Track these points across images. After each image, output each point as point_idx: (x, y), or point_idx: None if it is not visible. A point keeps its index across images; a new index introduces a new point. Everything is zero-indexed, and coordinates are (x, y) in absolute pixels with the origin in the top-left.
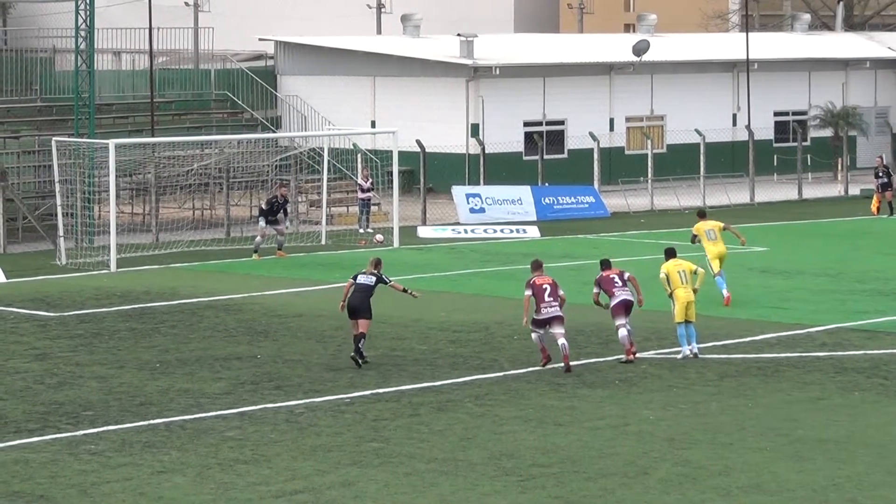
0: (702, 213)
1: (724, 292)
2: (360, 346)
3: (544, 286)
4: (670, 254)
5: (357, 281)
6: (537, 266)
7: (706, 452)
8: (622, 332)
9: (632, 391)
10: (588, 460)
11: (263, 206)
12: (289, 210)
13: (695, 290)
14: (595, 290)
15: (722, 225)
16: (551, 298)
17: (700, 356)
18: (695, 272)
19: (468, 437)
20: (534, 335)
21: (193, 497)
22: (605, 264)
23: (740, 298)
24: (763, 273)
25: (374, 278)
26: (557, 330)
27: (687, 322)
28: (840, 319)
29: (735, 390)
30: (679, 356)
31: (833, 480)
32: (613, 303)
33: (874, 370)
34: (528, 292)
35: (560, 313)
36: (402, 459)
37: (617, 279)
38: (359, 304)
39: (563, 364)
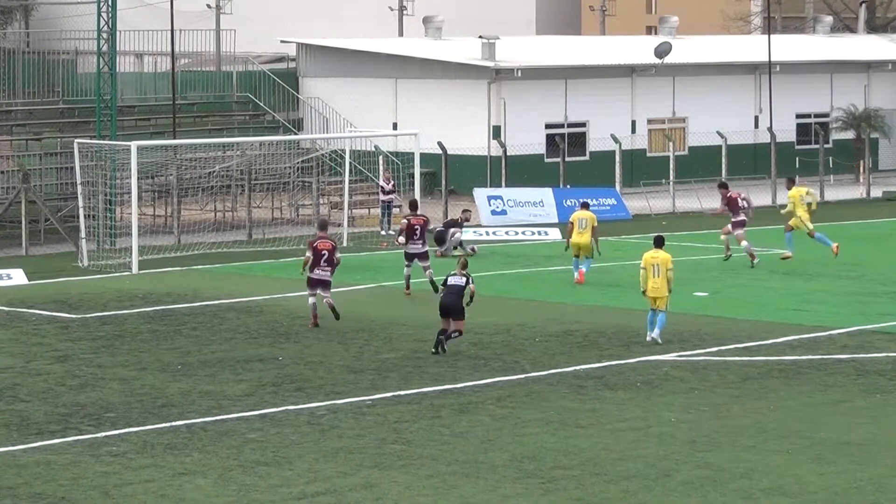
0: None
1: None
2: (446, 337)
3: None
4: (658, 242)
5: (448, 283)
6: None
7: (728, 455)
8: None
9: (653, 393)
10: (609, 462)
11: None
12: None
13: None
14: None
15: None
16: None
17: (722, 358)
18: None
19: (490, 440)
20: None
21: (215, 499)
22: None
23: (762, 300)
24: (785, 275)
25: (464, 279)
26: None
27: (655, 310)
28: (862, 322)
29: (757, 392)
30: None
31: (855, 483)
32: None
33: None
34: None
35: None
36: (424, 461)
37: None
38: (451, 305)
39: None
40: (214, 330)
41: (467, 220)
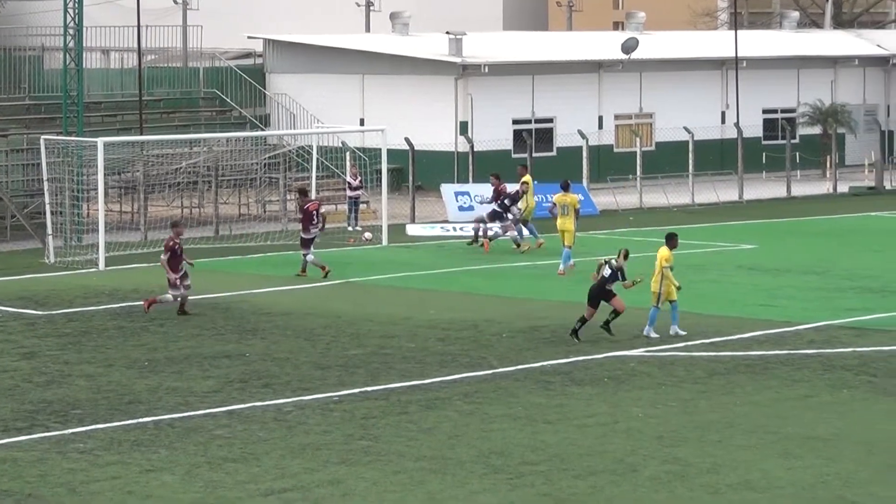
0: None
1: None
2: (582, 324)
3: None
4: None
5: (604, 272)
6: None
7: (695, 450)
8: None
9: (620, 389)
10: (577, 458)
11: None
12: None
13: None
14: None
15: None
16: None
17: (689, 354)
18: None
19: (457, 435)
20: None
21: (182, 495)
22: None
23: (728, 296)
24: (751, 271)
25: (618, 273)
26: None
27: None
28: (828, 317)
29: (724, 388)
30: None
31: (821, 478)
32: None
33: (863, 367)
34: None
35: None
36: (391, 457)
37: None
38: (597, 292)
39: None
40: (181, 326)
41: (525, 192)
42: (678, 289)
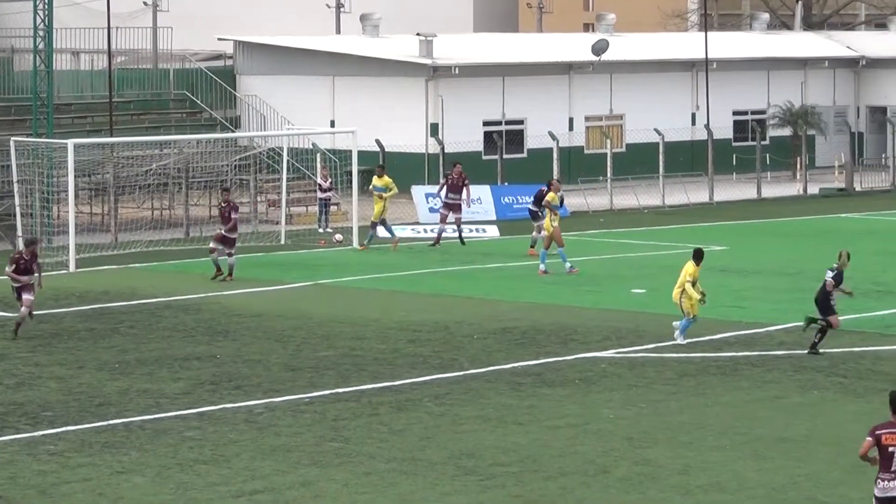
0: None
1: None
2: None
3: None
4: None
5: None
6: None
7: (666, 451)
8: None
9: (591, 390)
10: (548, 459)
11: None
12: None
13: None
14: None
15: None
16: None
17: (660, 355)
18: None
19: (428, 437)
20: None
21: (153, 497)
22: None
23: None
24: (722, 272)
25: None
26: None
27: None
28: (799, 318)
29: (694, 389)
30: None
31: (792, 479)
32: None
33: (833, 369)
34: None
35: None
36: (362, 459)
37: None
38: (820, 301)
39: None
40: (152, 328)
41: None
42: (702, 301)
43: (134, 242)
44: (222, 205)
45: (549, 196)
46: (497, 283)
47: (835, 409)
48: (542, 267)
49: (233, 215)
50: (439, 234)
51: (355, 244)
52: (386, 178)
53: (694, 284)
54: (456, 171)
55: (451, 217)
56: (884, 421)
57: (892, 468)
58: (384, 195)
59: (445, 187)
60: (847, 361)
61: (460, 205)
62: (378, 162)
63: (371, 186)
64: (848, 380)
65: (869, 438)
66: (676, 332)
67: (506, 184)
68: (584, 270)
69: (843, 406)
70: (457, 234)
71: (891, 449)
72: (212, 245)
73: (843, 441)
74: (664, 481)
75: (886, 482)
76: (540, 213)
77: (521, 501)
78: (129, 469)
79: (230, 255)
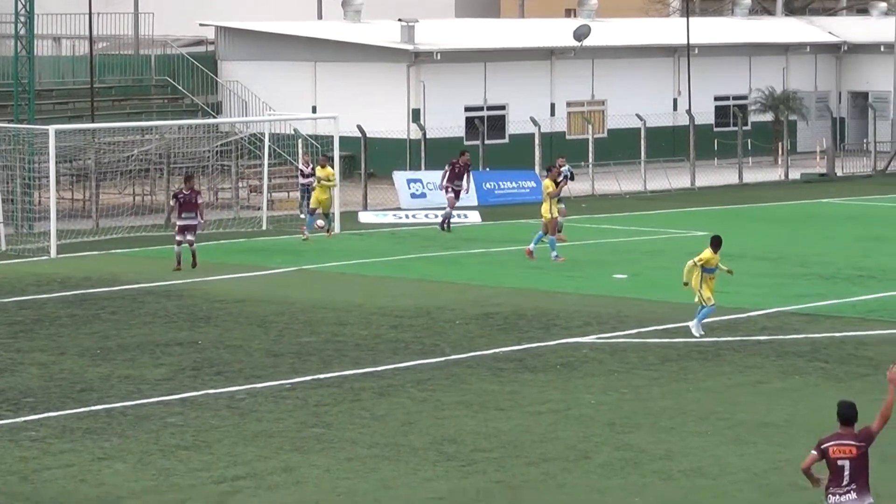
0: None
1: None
2: None
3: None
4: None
5: None
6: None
7: (647, 437)
8: None
9: (573, 376)
10: (530, 445)
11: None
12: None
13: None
14: None
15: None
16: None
17: (642, 340)
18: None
19: (410, 423)
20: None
21: (134, 483)
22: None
23: (681, 282)
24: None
25: None
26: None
27: None
28: (781, 303)
29: (676, 374)
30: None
31: (774, 464)
32: None
33: (814, 354)
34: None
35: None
36: (344, 445)
37: None
38: None
39: None
40: (133, 314)
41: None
42: (728, 271)
43: (115, 228)
44: (185, 192)
45: (545, 183)
46: (479, 268)
47: (816, 394)
48: (530, 247)
49: (199, 200)
50: (448, 217)
51: (337, 229)
52: (329, 170)
53: (712, 270)
54: (463, 160)
55: (449, 200)
56: (830, 433)
57: (844, 482)
58: (323, 185)
59: (448, 174)
60: (829, 346)
61: (460, 191)
62: (331, 152)
63: (317, 178)
64: (830, 365)
65: (814, 452)
66: (696, 325)
67: (487, 169)
68: (566, 256)
69: (825, 391)
70: (441, 220)
71: (840, 462)
72: (178, 238)
73: (824, 426)
74: (646, 466)
75: (838, 496)
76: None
77: (502, 487)
78: (111, 455)
79: (192, 242)
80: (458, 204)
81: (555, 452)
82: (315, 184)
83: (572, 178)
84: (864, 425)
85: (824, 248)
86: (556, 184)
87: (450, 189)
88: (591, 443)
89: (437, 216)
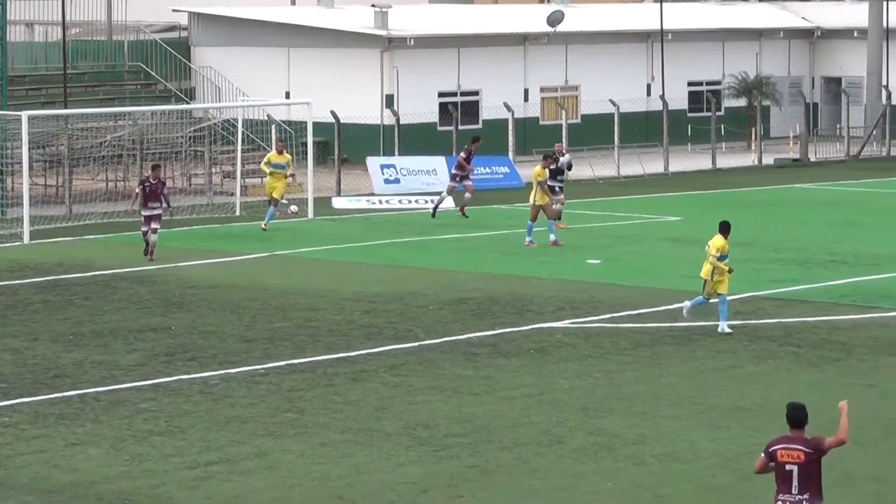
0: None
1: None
2: None
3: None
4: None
5: None
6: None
7: (621, 421)
8: None
9: (546, 360)
10: (503, 430)
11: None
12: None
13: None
14: None
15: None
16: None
17: (615, 325)
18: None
19: (383, 408)
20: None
21: (107, 469)
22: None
23: (654, 267)
24: (676, 242)
25: None
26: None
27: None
28: (753, 288)
29: (649, 359)
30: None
31: (747, 448)
32: None
33: (787, 338)
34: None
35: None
36: (317, 430)
37: None
38: None
39: None
40: (107, 300)
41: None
42: (729, 271)
43: (88, 214)
44: (151, 181)
45: (536, 171)
46: (453, 254)
47: (789, 378)
48: (527, 239)
49: (164, 191)
50: (438, 203)
51: (311, 215)
52: (286, 156)
53: (725, 257)
54: (476, 146)
55: (448, 188)
56: (780, 435)
57: (794, 490)
58: (285, 173)
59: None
60: (801, 331)
61: (467, 175)
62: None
63: (265, 163)
64: (802, 349)
65: (762, 455)
66: (722, 324)
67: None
68: (540, 241)
69: (798, 376)
70: (433, 205)
71: (788, 467)
72: (143, 228)
73: None
74: (619, 451)
75: None
76: (556, 188)
77: (476, 472)
78: (84, 441)
79: (156, 231)
80: (431, 189)
81: (528, 437)
82: (268, 169)
83: (569, 168)
84: (821, 434)
85: (797, 233)
86: (551, 171)
87: (458, 177)
88: (564, 427)
89: (410, 202)
